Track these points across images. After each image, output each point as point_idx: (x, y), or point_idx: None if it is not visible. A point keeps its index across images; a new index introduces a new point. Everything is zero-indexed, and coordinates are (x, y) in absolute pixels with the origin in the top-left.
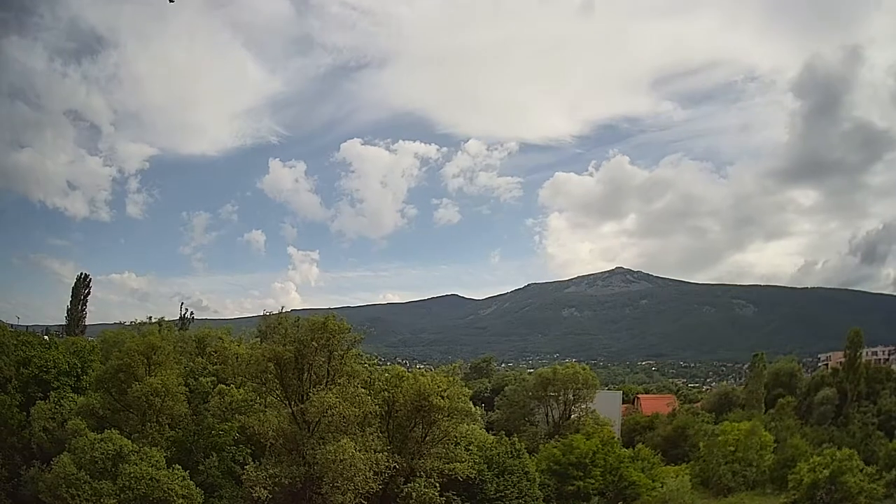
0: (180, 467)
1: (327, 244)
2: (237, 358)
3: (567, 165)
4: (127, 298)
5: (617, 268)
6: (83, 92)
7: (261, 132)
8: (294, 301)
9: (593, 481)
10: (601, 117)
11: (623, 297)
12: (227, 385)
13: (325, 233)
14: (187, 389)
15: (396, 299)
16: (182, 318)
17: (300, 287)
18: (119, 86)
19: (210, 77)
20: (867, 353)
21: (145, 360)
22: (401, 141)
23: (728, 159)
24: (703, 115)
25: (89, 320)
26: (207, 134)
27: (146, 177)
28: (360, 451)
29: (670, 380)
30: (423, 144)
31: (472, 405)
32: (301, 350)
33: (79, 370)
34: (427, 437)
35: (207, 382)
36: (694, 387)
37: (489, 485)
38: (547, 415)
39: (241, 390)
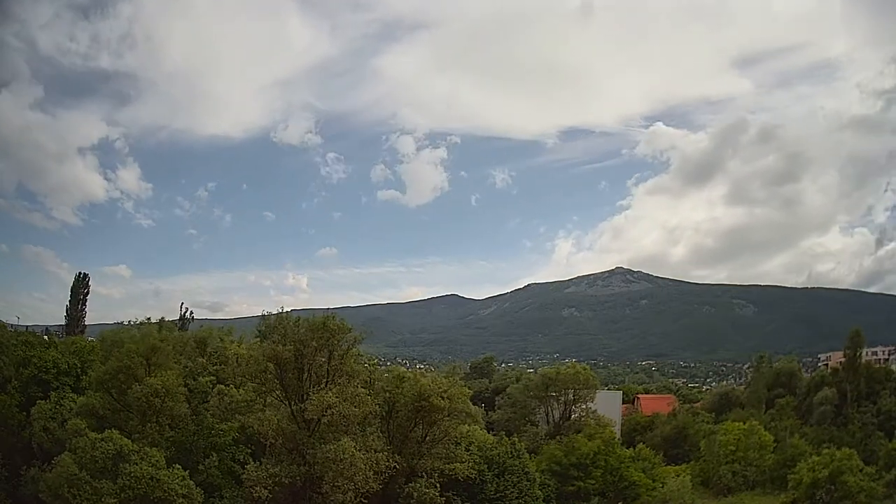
0: (180, 467)
1: (348, 230)
2: (237, 358)
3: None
4: (127, 294)
5: (617, 268)
6: (90, 53)
7: (293, 107)
8: (306, 298)
9: (594, 482)
10: (680, 97)
11: (623, 297)
12: (226, 385)
13: (350, 207)
14: (187, 390)
15: (419, 295)
16: (182, 318)
17: (312, 281)
18: (132, 48)
19: (241, 36)
20: (867, 353)
21: (145, 361)
22: (458, 93)
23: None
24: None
25: (89, 319)
26: (231, 109)
27: (153, 160)
28: (360, 450)
29: (670, 380)
30: (483, 97)
31: (472, 405)
32: (301, 350)
33: (79, 370)
34: (427, 438)
35: (207, 382)
36: (694, 387)
37: (489, 485)
38: (547, 415)
39: (241, 390)
